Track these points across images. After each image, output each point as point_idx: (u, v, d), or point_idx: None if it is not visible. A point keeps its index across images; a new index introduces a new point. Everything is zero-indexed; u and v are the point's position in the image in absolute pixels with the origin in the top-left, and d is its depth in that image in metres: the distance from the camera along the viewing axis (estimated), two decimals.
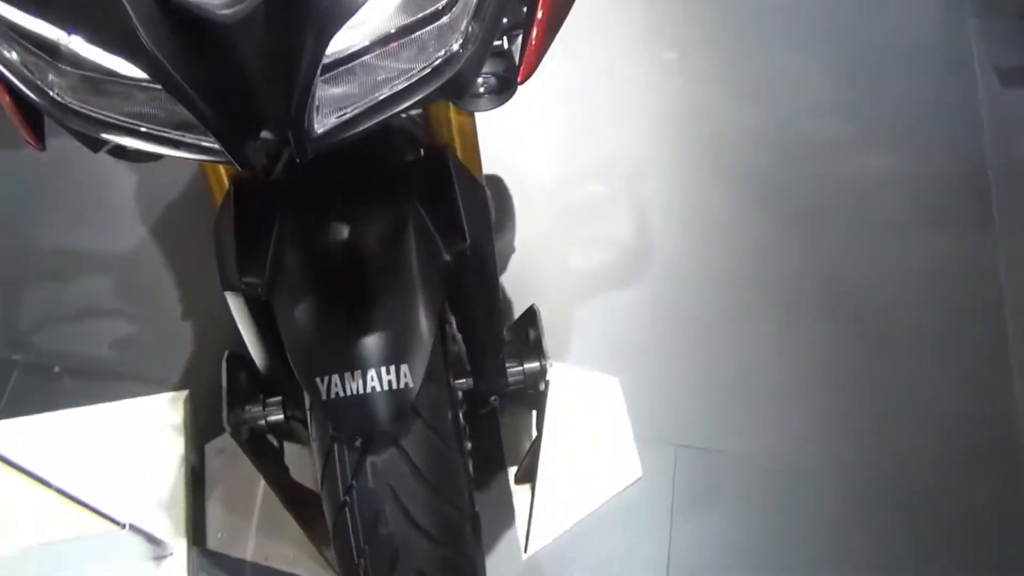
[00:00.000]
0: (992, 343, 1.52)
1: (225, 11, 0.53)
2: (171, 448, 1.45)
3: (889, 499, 1.39)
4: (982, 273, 1.60)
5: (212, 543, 1.39)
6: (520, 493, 1.40)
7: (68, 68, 0.60)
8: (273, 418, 1.13)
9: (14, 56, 0.61)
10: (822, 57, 1.89)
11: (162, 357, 1.56)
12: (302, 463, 1.33)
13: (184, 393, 1.51)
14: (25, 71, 0.62)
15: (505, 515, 1.38)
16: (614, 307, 1.59)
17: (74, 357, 1.56)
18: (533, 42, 0.73)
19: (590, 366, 1.51)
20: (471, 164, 0.99)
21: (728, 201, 1.70)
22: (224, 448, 1.46)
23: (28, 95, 0.62)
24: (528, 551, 1.36)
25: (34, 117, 0.67)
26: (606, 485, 1.41)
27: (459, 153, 0.97)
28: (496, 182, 1.70)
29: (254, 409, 1.12)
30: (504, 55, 0.77)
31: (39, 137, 0.68)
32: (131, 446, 1.45)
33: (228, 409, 1.08)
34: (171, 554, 1.36)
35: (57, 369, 1.55)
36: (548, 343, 1.22)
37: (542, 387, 1.17)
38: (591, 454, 1.44)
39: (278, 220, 0.90)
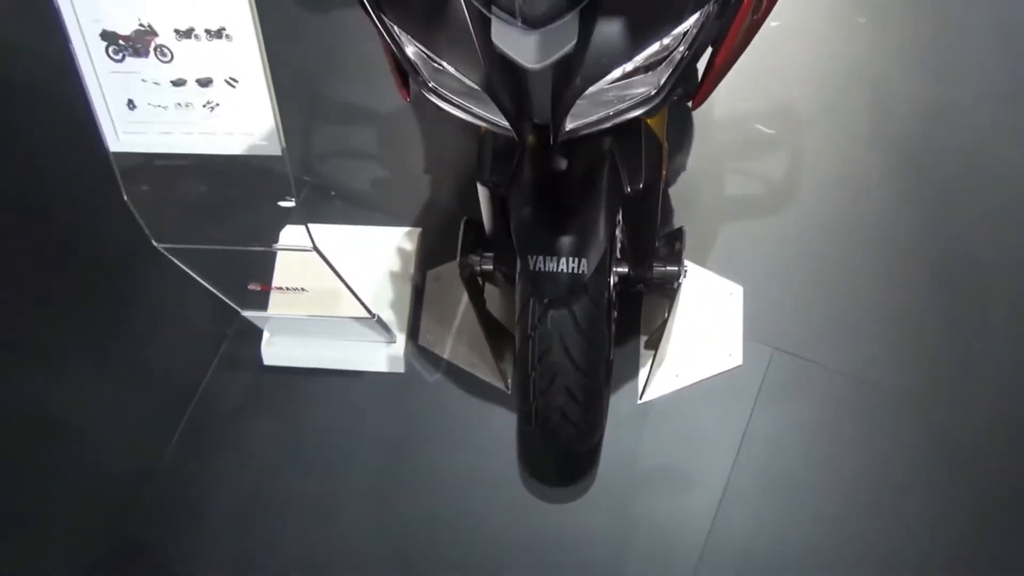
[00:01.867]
0: None
1: (532, 65, 0.97)
2: (404, 269, 2.00)
3: (947, 446, 1.75)
4: None
5: (422, 340, 1.95)
6: (646, 356, 1.87)
7: (436, 64, 1.06)
8: (487, 267, 1.63)
9: (410, 50, 1.07)
10: (1010, 55, 2.09)
11: (407, 198, 2.09)
12: (493, 301, 1.85)
13: (418, 230, 2.05)
14: (411, 58, 1.08)
15: (631, 369, 1.86)
16: (753, 230, 1.97)
17: (345, 186, 2.12)
18: (709, 81, 1.13)
19: (723, 274, 1.93)
20: (657, 128, 1.40)
21: (878, 163, 2.01)
22: (440, 276, 2.00)
23: (410, 70, 1.09)
24: (642, 399, 1.84)
25: (404, 79, 1.15)
26: (711, 365, 1.86)
27: (649, 120, 1.39)
28: (683, 111, 2.08)
29: (475, 258, 1.62)
30: (689, 75, 1.18)
31: (407, 92, 1.15)
32: (377, 262, 2.01)
33: (461, 254, 1.59)
34: (395, 342, 1.94)
35: (333, 193, 2.12)
36: (695, 247, 1.62)
37: (675, 286, 1.61)
38: (706, 339, 1.88)
39: (520, 146, 1.35)
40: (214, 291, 1.69)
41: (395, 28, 1.02)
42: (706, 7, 0.97)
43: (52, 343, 2.06)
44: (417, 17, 1.01)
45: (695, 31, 0.99)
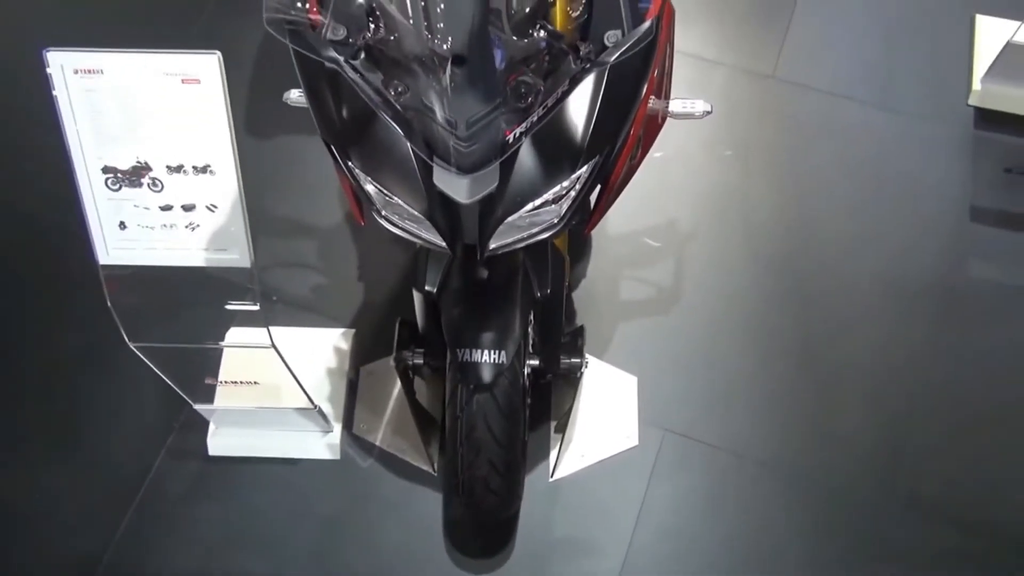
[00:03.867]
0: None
1: (464, 201, 1.27)
2: (340, 365, 2.24)
3: (814, 504, 2.09)
4: (930, 356, 2.26)
5: (356, 429, 2.18)
6: (555, 438, 2.14)
7: (388, 197, 1.35)
8: (418, 361, 1.89)
9: (368, 186, 1.35)
10: (851, 179, 2.53)
11: (342, 302, 2.34)
12: (421, 393, 2.10)
13: (352, 330, 2.30)
14: (368, 192, 1.37)
15: (543, 450, 2.13)
16: (646, 327, 2.30)
17: (286, 293, 2.37)
18: (599, 210, 1.46)
19: (620, 365, 2.24)
20: (560, 244, 1.72)
21: (749, 269, 2.37)
22: (373, 371, 2.24)
23: (366, 201, 1.38)
24: (553, 477, 2.11)
25: (360, 207, 1.43)
26: (612, 446, 2.14)
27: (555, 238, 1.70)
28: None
29: (408, 353, 1.88)
30: (584, 207, 1.50)
31: (362, 217, 1.44)
32: (315, 359, 2.25)
33: (396, 350, 1.85)
34: (332, 431, 2.16)
35: (275, 298, 2.36)
36: (596, 342, 1.92)
37: (579, 376, 1.90)
38: (607, 423, 2.17)
39: (453, 260, 1.65)
40: (173, 386, 1.90)
41: (356, 169, 1.31)
42: (594, 160, 1.30)
43: (6, 433, 2.21)
44: (375, 162, 1.30)
45: (586, 176, 1.31)
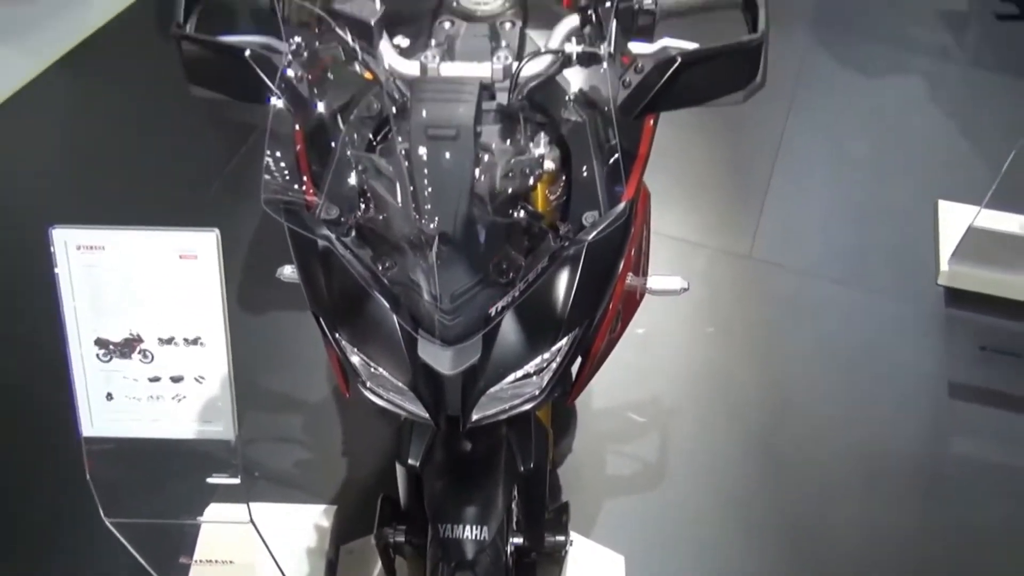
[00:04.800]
0: None
1: (448, 372, 1.30)
2: (320, 543, 2.19)
3: None
4: (915, 534, 2.23)
5: None
6: None
7: (373, 368, 1.37)
8: (399, 539, 1.85)
9: (354, 358, 1.38)
10: (830, 356, 2.59)
11: (325, 479, 2.32)
12: (402, 572, 2.04)
13: (334, 507, 2.26)
14: (354, 363, 1.40)
15: None
16: (631, 504, 2.27)
17: (269, 467, 2.35)
18: (580, 382, 1.49)
19: (606, 543, 2.19)
20: (543, 417, 1.74)
21: (733, 444, 2.38)
22: (353, 550, 2.19)
23: (351, 372, 1.40)
24: None
25: (346, 379, 1.46)
26: None
27: (538, 410, 1.72)
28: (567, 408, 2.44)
29: (390, 530, 1.85)
30: (565, 379, 1.53)
31: (347, 389, 1.46)
32: (295, 536, 2.20)
33: (378, 527, 1.81)
34: None
35: (257, 473, 2.33)
36: (581, 519, 1.90)
37: (563, 554, 1.86)
38: None
39: (436, 433, 1.65)
40: (145, 565, 1.84)
41: (343, 341, 1.35)
42: (574, 332, 1.34)
43: None
44: (362, 334, 1.34)
45: (566, 348, 1.35)
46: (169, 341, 1.51)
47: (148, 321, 1.51)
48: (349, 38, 1.37)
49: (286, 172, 1.32)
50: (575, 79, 1.46)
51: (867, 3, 3.78)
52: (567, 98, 1.45)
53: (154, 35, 3.54)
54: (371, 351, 1.34)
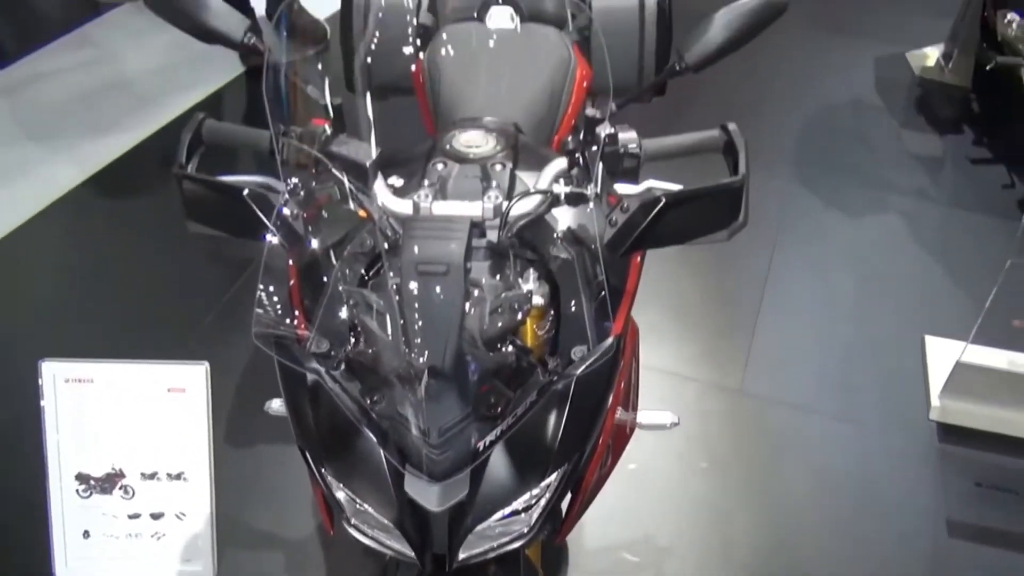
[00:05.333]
0: None
1: (435, 509, 1.27)
2: None
3: None
4: None
5: None
6: None
7: (359, 505, 1.35)
8: None
9: (339, 493, 1.36)
10: (825, 492, 2.55)
11: None
12: None
13: None
14: (339, 499, 1.37)
15: None
16: None
17: None
18: (570, 519, 1.47)
19: None
20: (533, 555, 1.70)
21: None
22: None
23: (336, 509, 1.38)
24: None
25: (331, 516, 1.43)
26: None
27: (527, 548, 1.68)
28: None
29: None
30: (554, 515, 1.50)
31: (331, 525, 1.43)
32: None
33: None
34: None
35: None
36: None
37: None
38: None
39: (422, 573, 1.61)
40: None
41: (329, 476, 1.33)
42: (563, 468, 1.33)
43: None
44: (348, 469, 1.32)
45: (555, 484, 1.33)
46: (152, 476, 1.49)
47: (132, 455, 1.49)
48: (345, 179, 1.41)
49: (278, 306, 1.33)
50: (563, 217, 1.50)
51: (846, 148, 3.93)
52: (555, 236, 1.49)
53: (154, 176, 3.65)
54: (357, 487, 1.33)
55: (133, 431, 1.47)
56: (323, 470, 1.33)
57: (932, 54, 4.35)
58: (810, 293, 3.21)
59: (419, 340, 1.25)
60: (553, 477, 1.32)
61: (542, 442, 1.31)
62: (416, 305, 1.25)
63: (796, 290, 3.21)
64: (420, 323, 1.24)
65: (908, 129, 4.00)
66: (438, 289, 1.24)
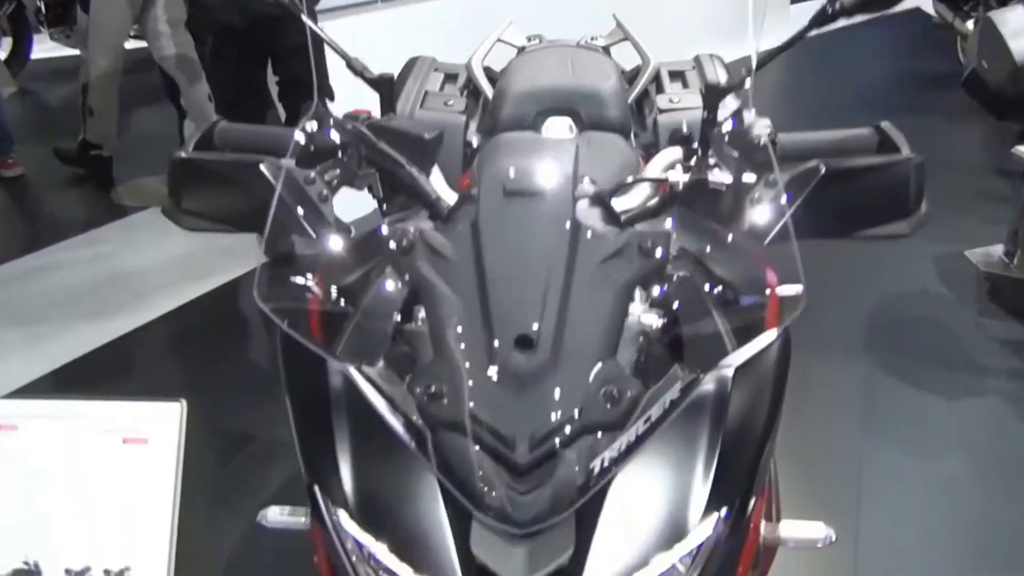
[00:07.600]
0: None
1: None
2: None
3: None
4: None
5: None
6: None
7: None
8: None
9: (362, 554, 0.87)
10: None
11: None
12: None
13: None
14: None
15: None
16: None
17: None
18: None
19: None
20: None
21: None
22: None
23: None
24: None
25: None
26: None
27: None
28: None
29: None
30: None
31: None
32: None
33: None
34: None
35: None
36: None
37: None
38: None
39: None
40: None
41: (349, 526, 0.84)
42: (717, 513, 0.83)
43: None
44: (380, 515, 0.84)
45: (711, 538, 0.83)
46: (82, 575, 1.00)
47: (55, 543, 1.00)
48: (399, 156, 1.12)
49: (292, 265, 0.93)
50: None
51: (927, 336, 3.59)
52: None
53: (152, 360, 3.35)
54: (393, 542, 0.84)
55: (62, 506, 1.00)
56: (336, 517, 0.85)
57: (994, 252, 4.17)
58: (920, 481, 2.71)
59: (503, 295, 0.82)
60: (707, 526, 0.83)
61: (689, 470, 0.83)
62: (502, 243, 0.83)
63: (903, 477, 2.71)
64: (506, 268, 0.82)
65: (985, 317, 3.71)
66: (535, 221, 0.84)
